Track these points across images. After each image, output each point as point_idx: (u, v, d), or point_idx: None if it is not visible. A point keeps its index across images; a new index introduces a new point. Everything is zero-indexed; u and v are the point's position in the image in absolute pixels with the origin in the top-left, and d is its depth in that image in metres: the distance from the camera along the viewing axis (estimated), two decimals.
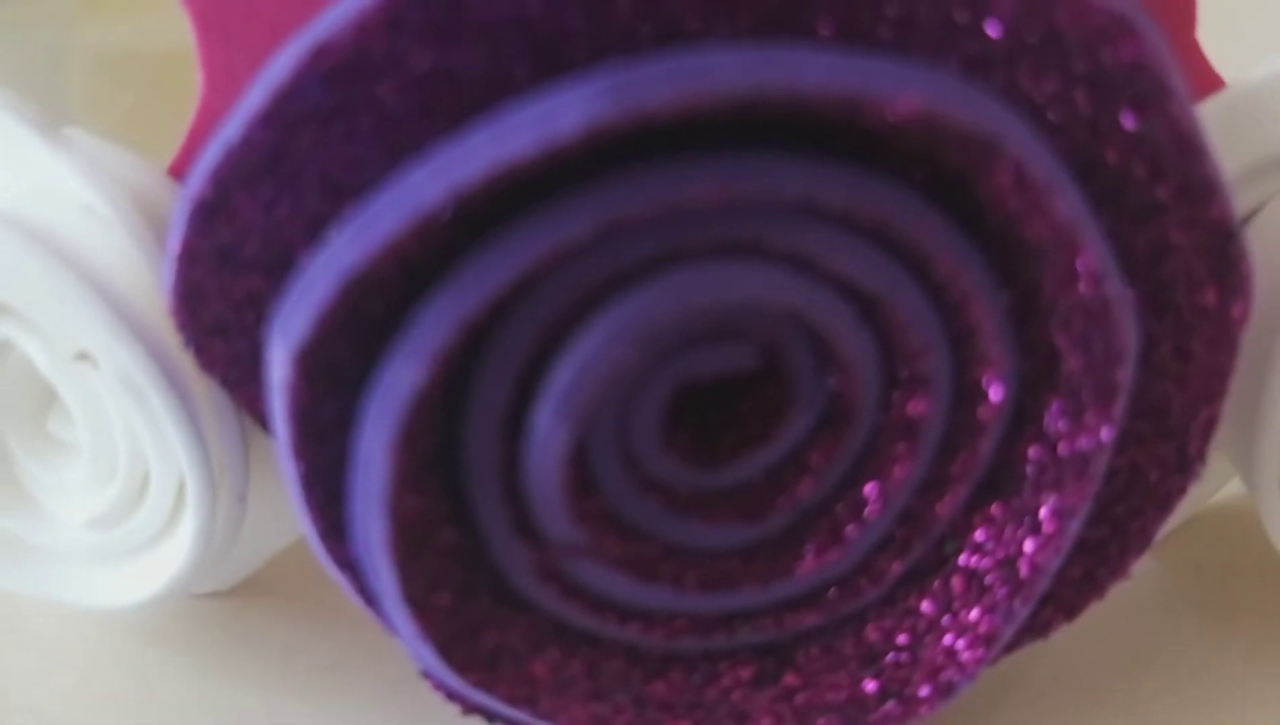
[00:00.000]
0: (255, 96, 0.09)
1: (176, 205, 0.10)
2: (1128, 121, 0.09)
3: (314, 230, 0.09)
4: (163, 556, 0.12)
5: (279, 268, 0.09)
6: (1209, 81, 0.12)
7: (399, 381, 0.09)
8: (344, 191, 0.09)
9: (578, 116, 0.08)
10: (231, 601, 0.14)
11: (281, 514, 0.12)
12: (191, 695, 0.13)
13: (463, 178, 0.08)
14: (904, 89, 0.08)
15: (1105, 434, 0.10)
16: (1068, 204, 0.09)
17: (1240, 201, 0.12)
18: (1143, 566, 0.12)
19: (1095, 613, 0.11)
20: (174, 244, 0.10)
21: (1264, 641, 0.13)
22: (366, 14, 0.09)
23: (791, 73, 0.08)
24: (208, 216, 0.10)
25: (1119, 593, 0.11)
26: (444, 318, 0.09)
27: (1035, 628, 0.11)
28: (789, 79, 0.08)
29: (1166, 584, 0.13)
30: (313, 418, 0.09)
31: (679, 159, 0.09)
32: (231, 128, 0.09)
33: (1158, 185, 0.09)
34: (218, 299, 0.10)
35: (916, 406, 0.10)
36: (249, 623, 0.13)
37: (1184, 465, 0.10)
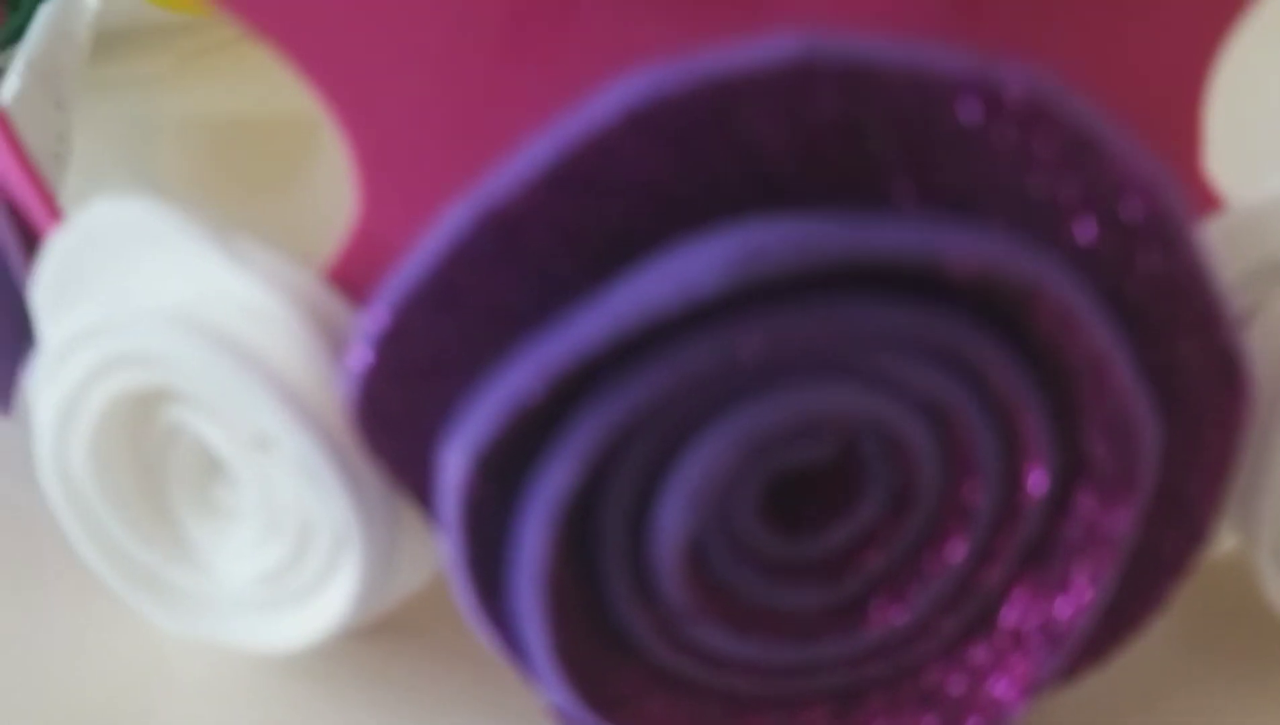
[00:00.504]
0: (433, 243, 0.11)
1: (357, 327, 0.12)
2: (1149, 264, 0.11)
3: (481, 358, 0.11)
4: (322, 606, 0.14)
5: (450, 387, 0.11)
6: (1211, 201, 0.14)
7: (556, 481, 0.11)
8: (509, 326, 0.11)
9: (716, 278, 0.10)
10: (360, 637, 0.16)
11: (415, 568, 0.14)
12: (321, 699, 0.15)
13: (616, 324, 0.10)
14: (966, 251, 0.10)
15: (1128, 516, 0.12)
16: (1099, 335, 0.11)
17: (1240, 302, 0.14)
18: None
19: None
20: (355, 362, 0.12)
21: (1258, 676, 0.15)
22: (533, 175, 0.11)
23: (881, 238, 0.10)
24: (387, 342, 0.12)
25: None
26: (594, 428, 0.11)
27: (1068, 674, 0.13)
28: (879, 243, 0.10)
29: (1174, 627, 0.15)
30: (479, 506, 0.11)
31: (786, 302, 0.11)
32: (411, 268, 0.11)
33: (1173, 314, 0.11)
34: (392, 409, 0.12)
35: (970, 493, 0.12)
36: (381, 657, 0.15)
37: (1195, 539, 0.12)
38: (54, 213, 0.16)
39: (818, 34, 0.10)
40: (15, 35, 0.26)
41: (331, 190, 0.29)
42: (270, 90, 0.31)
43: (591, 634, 0.12)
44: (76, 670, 0.15)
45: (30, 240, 0.17)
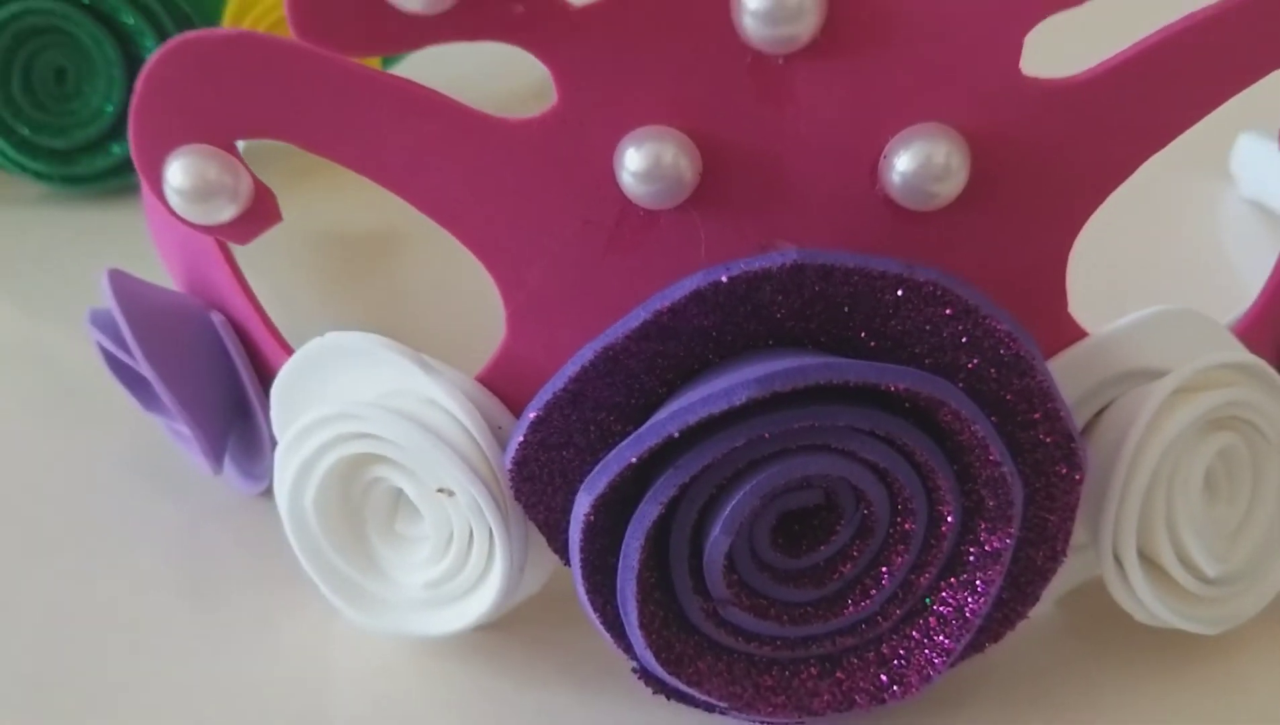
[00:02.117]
0: (568, 368, 0.18)
1: (520, 422, 0.19)
2: (1014, 384, 0.18)
3: (601, 434, 0.18)
4: (473, 604, 0.21)
5: (572, 459, 0.18)
6: (1076, 333, 0.20)
7: (646, 515, 0.17)
8: (616, 416, 0.18)
9: (747, 392, 0.17)
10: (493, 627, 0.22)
11: (534, 579, 0.21)
12: (478, 692, 0.21)
13: (684, 419, 0.17)
14: (898, 379, 0.17)
15: (1008, 541, 0.18)
16: (982, 428, 0.18)
17: (1093, 403, 0.20)
18: (1047, 611, 0.21)
19: (1015, 643, 0.20)
20: (515, 442, 0.19)
21: (1122, 658, 0.21)
22: (633, 327, 0.17)
23: (847, 370, 0.17)
24: (535, 429, 0.18)
25: (1028, 627, 0.20)
26: (670, 483, 0.17)
27: (975, 647, 0.19)
28: (846, 373, 0.17)
29: (1060, 621, 0.22)
30: (595, 533, 0.18)
31: (791, 405, 0.17)
32: (554, 382, 0.18)
33: (1032, 413, 0.18)
34: (534, 471, 0.18)
35: (909, 526, 0.19)
36: (504, 641, 0.22)
37: (1055, 557, 0.19)
38: (281, 342, 0.23)
39: (808, 251, 0.17)
40: None
41: (405, 287, 0.37)
42: (353, 208, 0.38)
43: (664, 616, 0.19)
44: (300, 649, 0.22)
45: (255, 359, 0.24)
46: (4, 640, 0.22)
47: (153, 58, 0.18)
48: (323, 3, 0.17)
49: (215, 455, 0.24)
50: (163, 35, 0.36)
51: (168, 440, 0.26)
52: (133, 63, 0.37)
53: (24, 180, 0.38)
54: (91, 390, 0.28)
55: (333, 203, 0.37)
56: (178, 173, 0.19)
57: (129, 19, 0.36)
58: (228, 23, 0.37)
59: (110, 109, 0.37)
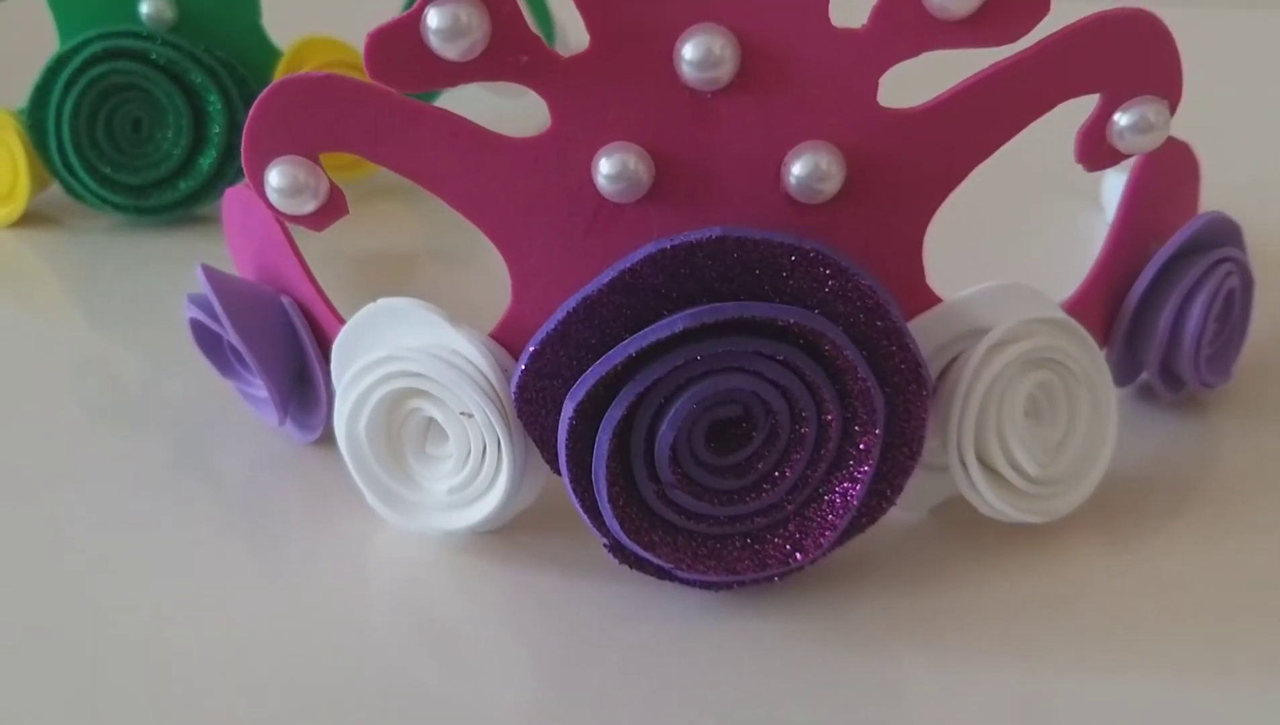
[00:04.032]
0: (557, 315, 0.25)
1: (521, 354, 0.25)
2: (878, 325, 0.25)
3: (578, 368, 0.25)
4: (484, 506, 0.27)
5: (561, 384, 0.25)
6: (932, 299, 0.27)
7: (613, 417, 0.24)
8: (592, 351, 0.25)
9: (683, 324, 0.24)
10: (501, 530, 0.29)
11: (531, 490, 0.28)
12: (487, 578, 0.28)
13: (639, 346, 0.24)
14: (793, 318, 0.24)
15: (875, 441, 0.25)
16: (854, 357, 0.25)
17: (946, 354, 0.28)
18: (923, 518, 0.28)
19: (901, 538, 0.27)
20: (517, 372, 0.25)
21: (975, 546, 0.28)
22: (603, 284, 0.25)
23: (759, 311, 0.24)
24: (533, 361, 0.25)
25: (911, 528, 0.27)
26: (630, 393, 0.24)
27: (856, 527, 0.26)
28: (758, 312, 0.24)
29: (932, 525, 0.29)
30: (577, 432, 0.25)
31: (720, 337, 0.24)
32: (546, 327, 0.25)
33: (890, 346, 0.25)
34: (532, 395, 0.25)
35: (804, 431, 0.25)
36: (510, 539, 0.29)
37: (912, 455, 0.26)
38: (335, 314, 0.30)
39: (729, 228, 0.24)
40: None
41: (428, 278, 0.46)
42: (384, 236, 0.46)
43: (626, 497, 0.25)
44: (350, 551, 0.29)
45: (315, 331, 0.31)
46: (100, 572, 0.29)
47: (263, 92, 0.25)
48: (389, 52, 0.24)
49: (283, 407, 0.31)
50: (224, 92, 0.44)
51: (209, 436, 0.33)
52: (198, 114, 0.44)
53: (104, 211, 0.45)
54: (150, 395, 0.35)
55: (366, 232, 0.44)
56: (276, 176, 0.26)
57: (197, 78, 0.44)
58: None
59: (178, 152, 0.44)
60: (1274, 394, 0.34)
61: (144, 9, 0.44)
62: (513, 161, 0.26)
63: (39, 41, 0.45)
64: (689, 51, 0.25)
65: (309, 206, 0.26)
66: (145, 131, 0.45)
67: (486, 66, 0.24)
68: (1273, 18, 0.72)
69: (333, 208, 0.26)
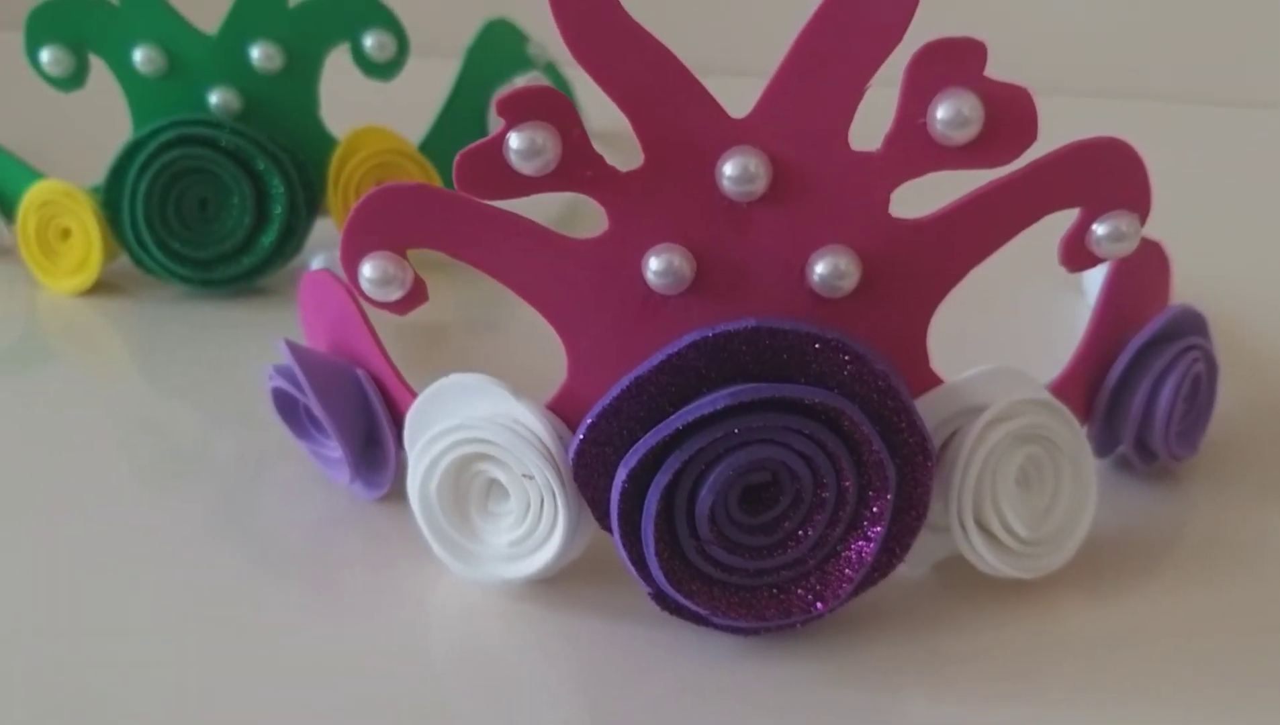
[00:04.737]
0: (611, 392, 0.29)
1: (579, 425, 0.29)
2: (889, 404, 0.29)
3: (630, 435, 0.29)
4: (540, 555, 0.31)
5: (613, 453, 0.29)
6: (934, 381, 0.31)
7: (659, 483, 0.28)
8: (641, 423, 0.29)
9: (724, 403, 0.28)
10: (551, 580, 0.33)
11: (580, 544, 0.31)
12: (543, 621, 0.32)
13: (684, 421, 0.28)
14: (820, 399, 0.28)
15: (886, 505, 0.29)
16: (869, 429, 0.29)
17: (946, 429, 0.31)
18: (927, 573, 0.31)
19: (907, 591, 0.31)
20: (576, 441, 0.29)
21: (974, 599, 0.32)
22: (653, 365, 0.28)
23: (787, 392, 0.28)
24: (591, 432, 0.29)
25: (915, 582, 0.31)
26: (675, 462, 0.28)
27: (869, 581, 0.30)
28: (787, 394, 0.28)
29: (935, 579, 0.33)
30: (628, 496, 0.29)
31: (754, 414, 0.28)
32: (601, 402, 0.29)
33: (900, 423, 0.29)
34: (588, 462, 0.29)
35: (825, 494, 0.29)
36: (568, 590, 0.32)
37: (919, 518, 0.30)
38: (406, 386, 0.34)
39: (762, 319, 0.28)
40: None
41: (487, 351, 0.50)
42: (428, 307, 0.50)
43: (670, 551, 0.29)
44: (412, 599, 0.32)
45: (386, 400, 0.35)
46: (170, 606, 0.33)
47: (362, 197, 0.29)
48: (476, 168, 0.28)
49: (355, 467, 0.35)
50: (285, 176, 0.48)
51: (269, 491, 0.37)
52: (260, 196, 0.48)
53: (171, 282, 0.49)
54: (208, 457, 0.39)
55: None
56: (369, 268, 0.30)
57: (260, 164, 0.48)
58: (333, 169, 0.49)
59: (242, 230, 0.48)
60: (1237, 465, 0.38)
61: (213, 99, 0.48)
62: (574, 259, 0.30)
63: (107, 122, 0.49)
64: (729, 169, 0.29)
65: (396, 295, 0.30)
66: (211, 211, 0.48)
67: (557, 179, 0.28)
68: (1266, 116, 0.74)
69: (416, 295, 0.30)
